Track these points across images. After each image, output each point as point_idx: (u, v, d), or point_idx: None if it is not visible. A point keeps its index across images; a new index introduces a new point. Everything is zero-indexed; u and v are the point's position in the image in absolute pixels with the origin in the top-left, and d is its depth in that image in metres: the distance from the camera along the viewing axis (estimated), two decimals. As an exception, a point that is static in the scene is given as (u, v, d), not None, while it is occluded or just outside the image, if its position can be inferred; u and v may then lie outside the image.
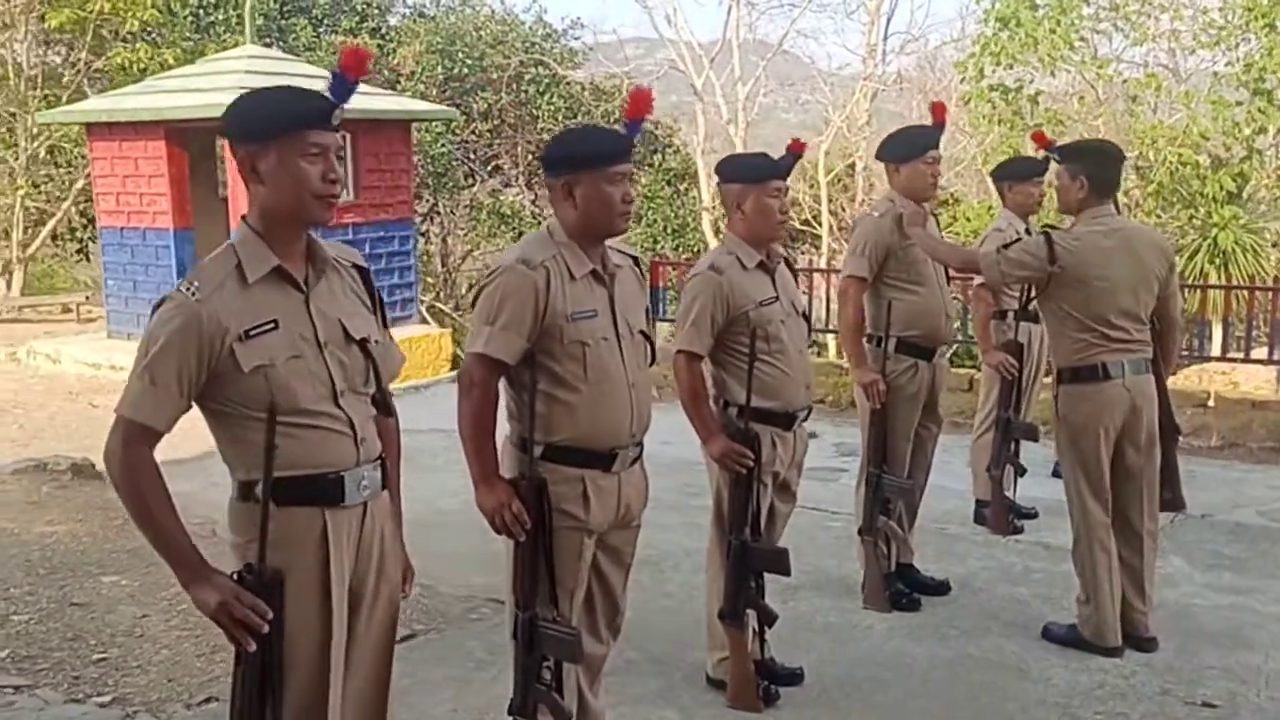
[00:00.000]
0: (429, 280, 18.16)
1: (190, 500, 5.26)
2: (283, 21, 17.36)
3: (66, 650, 4.14)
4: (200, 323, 2.17)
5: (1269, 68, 12.90)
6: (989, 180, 10.42)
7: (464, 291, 18.26)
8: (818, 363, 9.17)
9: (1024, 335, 5.43)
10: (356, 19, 18.05)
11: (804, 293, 8.98)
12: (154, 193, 9.83)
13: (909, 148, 4.53)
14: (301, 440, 2.24)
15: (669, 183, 18.70)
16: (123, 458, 2.19)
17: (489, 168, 18.84)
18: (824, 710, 3.72)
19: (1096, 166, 4.05)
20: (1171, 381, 4.36)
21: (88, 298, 13.77)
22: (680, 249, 17.26)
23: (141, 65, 13.46)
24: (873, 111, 19.13)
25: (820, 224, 17.95)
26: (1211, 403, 7.80)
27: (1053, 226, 4.22)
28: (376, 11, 18.74)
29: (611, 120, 16.74)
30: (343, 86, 2.22)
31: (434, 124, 15.99)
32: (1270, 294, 9.26)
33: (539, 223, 15.40)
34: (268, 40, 15.71)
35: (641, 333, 3.01)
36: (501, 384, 2.91)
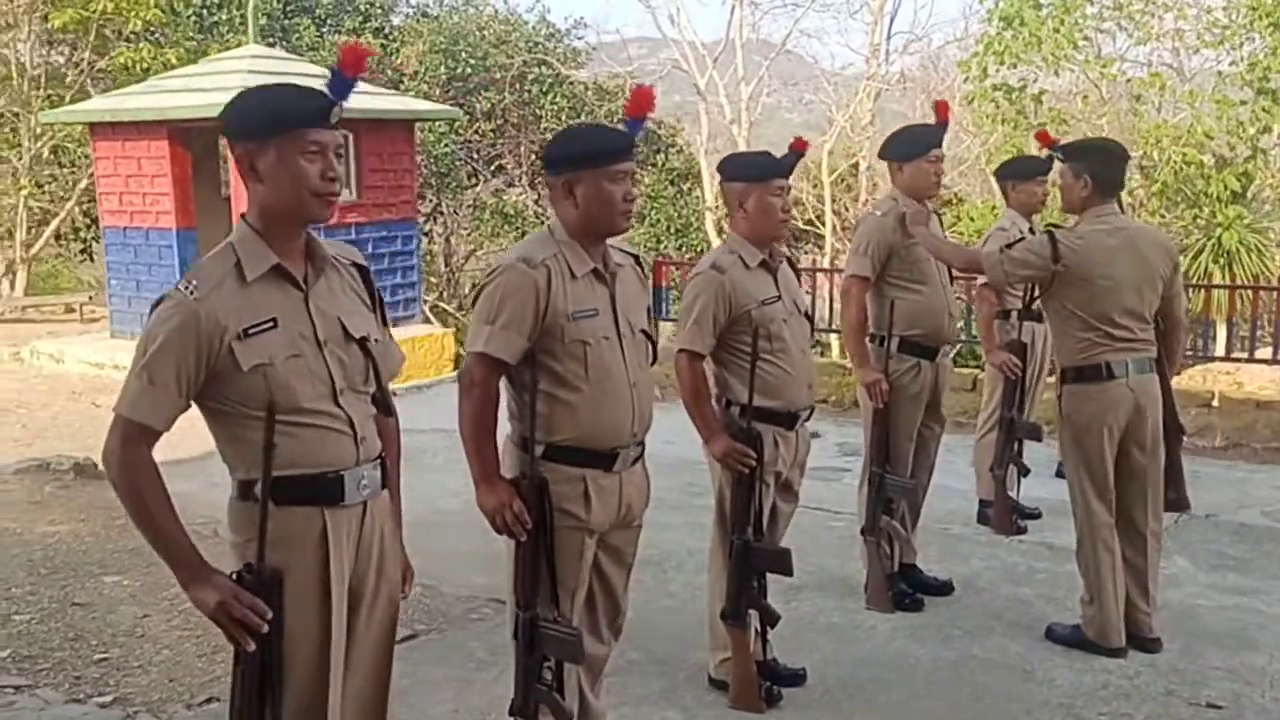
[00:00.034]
0: (432, 280, 18.16)
1: (191, 500, 5.25)
2: (286, 21, 17.37)
3: (68, 650, 4.14)
4: (199, 321, 2.16)
5: (1273, 67, 12.88)
6: (992, 180, 10.42)
7: (467, 291, 18.25)
8: (821, 362, 9.16)
9: (1027, 335, 5.41)
10: (360, 19, 18.06)
11: (807, 292, 8.97)
12: (157, 192, 9.83)
13: (912, 146, 4.52)
14: (301, 439, 2.23)
15: (672, 182, 18.70)
16: (121, 457, 2.18)
17: (492, 167, 18.84)
18: (826, 711, 3.71)
19: (1100, 165, 4.03)
20: (1176, 381, 4.35)
21: (91, 298, 13.77)
22: (683, 249, 17.26)
23: (145, 65, 13.47)
24: (876, 111, 19.12)
25: (824, 224, 17.94)
26: (1216, 403, 7.78)
27: (1056, 225, 4.20)
28: (380, 11, 18.74)
29: (615, 120, 16.72)
30: (342, 84, 2.21)
31: (437, 124, 16.00)
32: (1275, 293, 9.25)
33: (542, 223, 15.37)
34: (271, 40, 15.71)
35: (643, 332, 3.00)
36: (502, 383, 2.90)
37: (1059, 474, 5.71)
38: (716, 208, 16.72)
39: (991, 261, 4.19)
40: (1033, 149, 9.98)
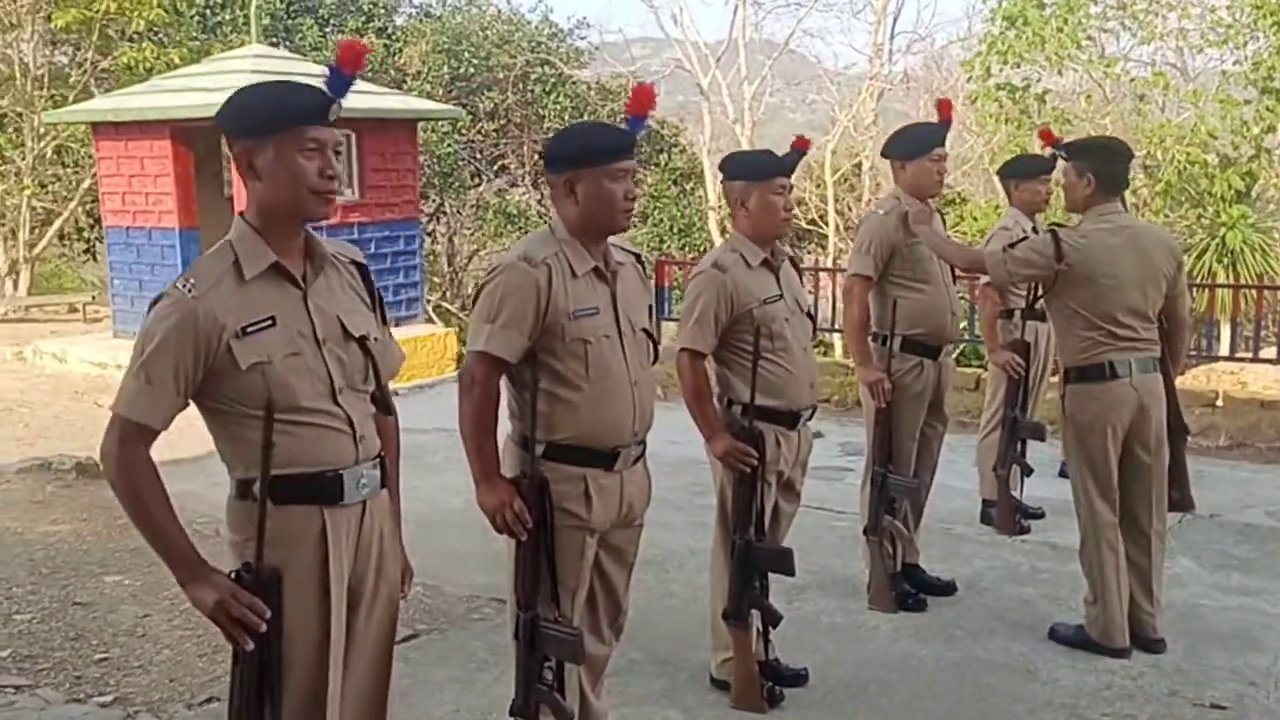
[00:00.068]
0: (435, 280, 18.16)
1: (193, 500, 5.27)
2: (289, 21, 17.37)
3: (68, 650, 4.13)
4: (197, 320, 2.15)
5: (1278, 66, 12.85)
6: (996, 179, 10.40)
7: (470, 291, 18.25)
8: (824, 362, 9.14)
9: (1030, 334, 5.40)
10: (363, 19, 18.06)
11: (810, 292, 8.96)
12: (159, 192, 9.82)
13: (915, 145, 4.51)
14: (300, 438, 2.22)
15: (675, 182, 18.70)
16: (119, 457, 2.17)
17: (495, 167, 18.84)
18: (829, 712, 3.69)
19: (1104, 164, 4.02)
20: (1179, 381, 4.34)
21: (94, 297, 13.78)
22: (686, 248, 17.25)
23: (148, 65, 13.47)
24: (879, 111, 19.10)
25: (826, 223, 17.93)
26: (1220, 402, 7.76)
27: (1059, 224, 4.19)
28: (383, 11, 18.74)
29: (618, 120, 16.71)
30: (340, 81, 2.20)
31: (440, 123, 15.99)
32: (1279, 293, 9.21)
33: (545, 222, 15.37)
34: (274, 40, 15.73)
35: (644, 330, 2.99)
36: (503, 382, 2.89)
37: (1062, 474, 5.68)
38: (719, 207, 16.71)
39: (994, 261, 4.18)
40: (1036, 149, 9.97)
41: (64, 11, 13.40)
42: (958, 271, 4.67)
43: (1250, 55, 13.52)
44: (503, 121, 18.41)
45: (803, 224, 18.39)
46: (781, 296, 3.64)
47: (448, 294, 18.31)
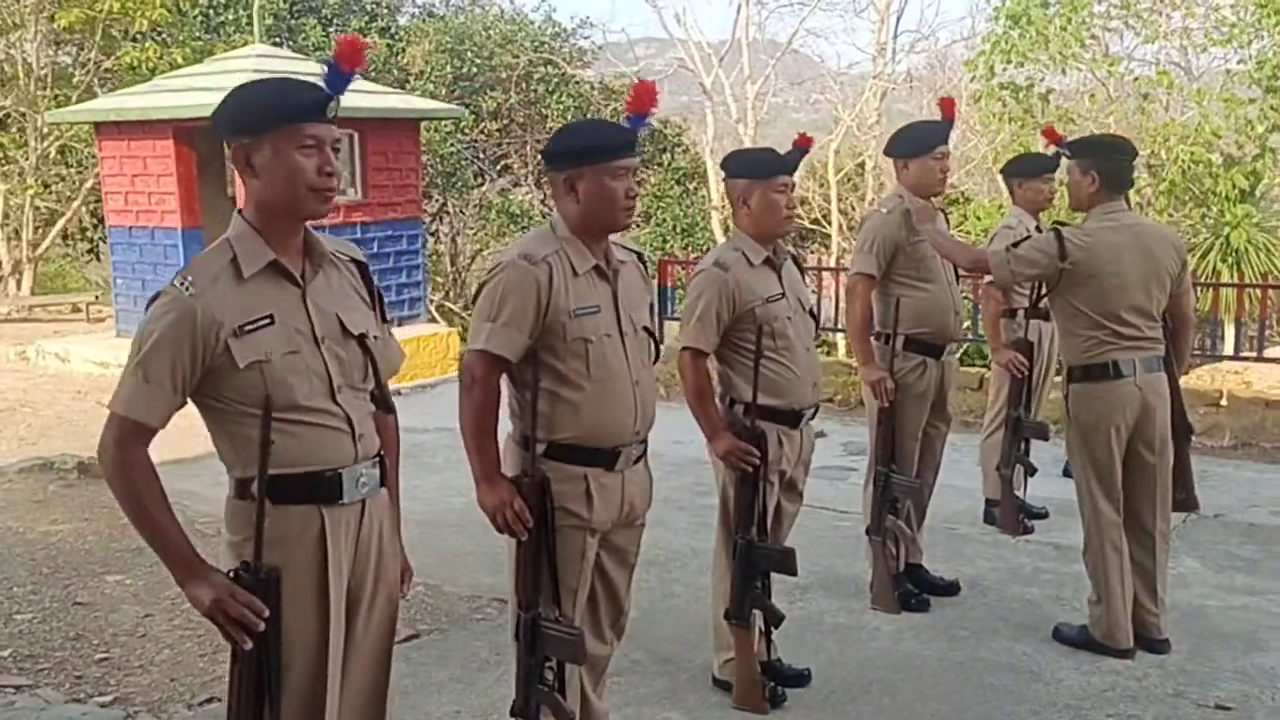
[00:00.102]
0: (438, 280, 18.17)
1: (194, 499, 5.28)
2: (292, 21, 17.39)
3: (69, 650, 4.12)
4: (194, 318, 2.13)
5: (1282, 65, 12.82)
6: (999, 179, 10.37)
7: (473, 291, 18.25)
8: (826, 361, 9.12)
9: (1034, 333, 5.38)
10: (366, 18, 18.07)
11: (813, 292, 8.94)
12: (162, 192, 9.82)
13: (918, 144, 4.49)
14: (298, 437, 2.20)
15: (678, 182, 18.70)
16: (116, 455, 2.16)
17: (498, 167, 18.85)
18: (831, 712, 3.68)
19: (1107, 161, 4.00)
20: (1184, 380, 4.32)
21: (97, 297, 13.80)
22: (689, 248, 17.24)
23: (151, 65, 13.48)
24: (882, 110, 19.08)
25: (830, 223, 17.92)
26: (1224, 402, 7.73)
27: (1063, 223, 4.17)
28: (386, 11, 18.76)
29: (620, 119, 16.69)
30: (338, 78, 2.18)
31: (443, 123, 15.98)
32: (1283, 292, 9.18)
33: (548, 222, 15.35)
34: (277, 40, 15.74)
35: (645, 329, 2.97)
36: (504, 381, 2.88)
37: (1066, 473, 5.67)
38: (722, 207, 16.70)
39: (998, 260, 4.16)
40: (1040, 148, 9.95)
41: (67, 11, 13.41)
42: (961, 271, 4.66)
43: (1254, 54, 13.49)
44: (506, 121, 18.42)
45: (806, 224, 18.38)
46: (784, 295, 3.62)
47: (451, 294, 18.33)
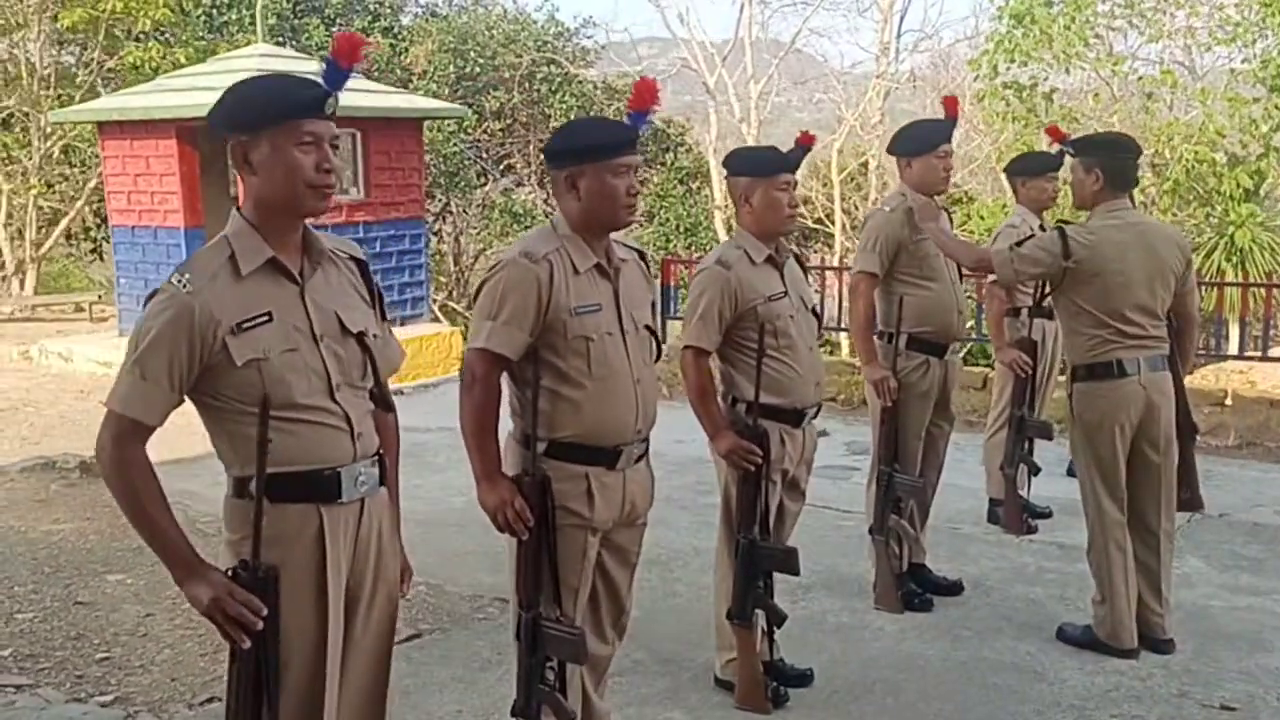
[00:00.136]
0: (441, 279, 18.18)
1: (196, 499, 5.27)
2: (295, 21, 17.40)
3: (69, 649, 4.12)
4: (192, 315, 2.12)
5: (1287, 64, 12.80)
6: (1003, 178, 10.35)
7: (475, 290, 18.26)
8: (830, 361, 9.11)
9: (1038, 332, 5.37)
10: (369, 18, 18.08)
11: (816, 291, 8.92)
12: (165, 191, 9.83)
13: (921, 142, 4.47)
14: (296, 435, 2.19)
15: (681, 181, 18.69)
16: (113, 453, 2.15)
17: (501, 167, 18.86)
18: (834, 712, 3.66)
19: (1111, 159, 3.98)
20: (1188, 380, 4.29)
21: (100, 296, 13.81)
22: (692, 248, 17.24)
23: (154, 65, 13.49)
24: (886, 110, 19.08)
25: (833, 222, 17.90)
26: (1229, 401, 7.71)
27: (1067, 222, 4.15)
28: (389, 10, 18.76)
29: (623, 118, 16.68)
30: (336, 74, 2.17)
31: (446, 123, 15.99)
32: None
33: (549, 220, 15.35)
34: (280, 40, 15.75)
35: (647, 327, 2.96)
36: (504, 380, 2.86)
37: (1070, 473, 5.65)
38: (725, 207, 16.70)
39: (1001, 260, 4.14)
40: (1043, 147, 9.93)
41: (70, 11, 13.41)
42: (964, 270, 4.64)
43: (1259, 53, 13.48)
44: (509, 121, 18.42)
45: (809, 223, 18.37)
46: (786, 293, 3.60)
47: (454, 293, 18.33)
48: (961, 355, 5.33)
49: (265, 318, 2.17)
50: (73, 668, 3.96)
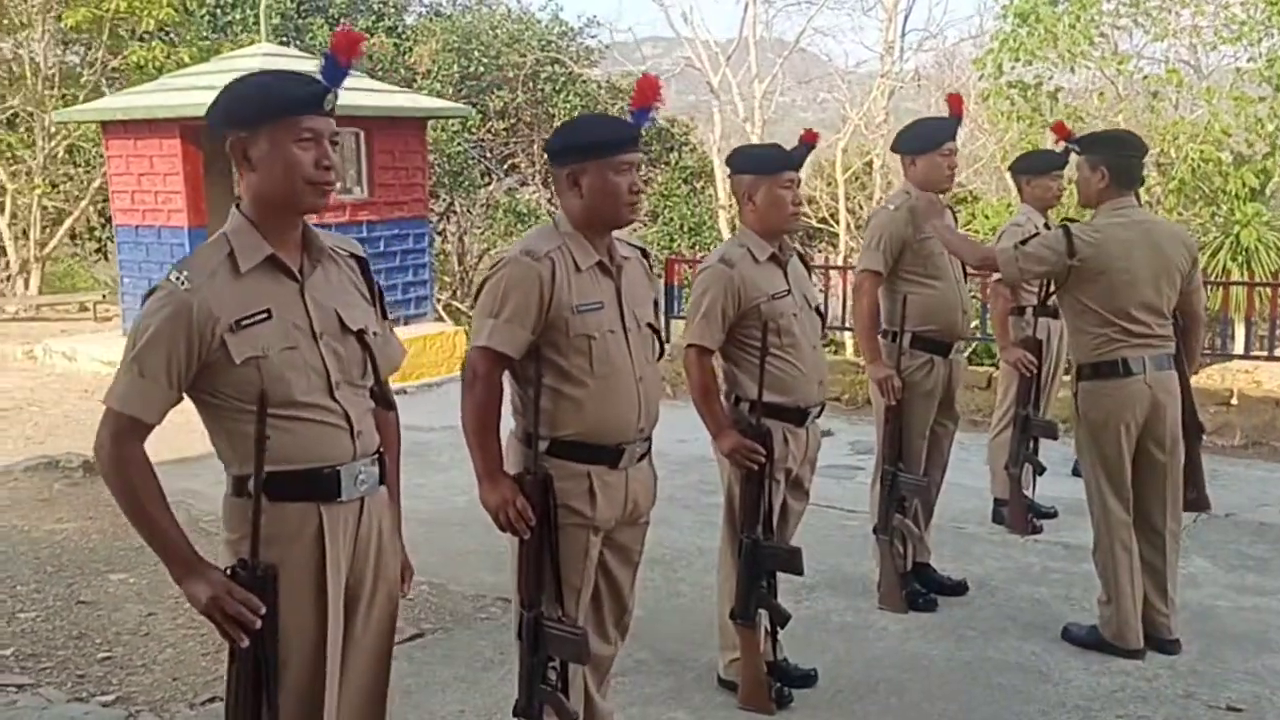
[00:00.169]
0: (445, 279, 18.18)
1: (199, 498, 5.27)
2: (299, 20, 17.40)
3: (71, 648, 4.11)
4: (190, 312, 2.11)
5: (1293, 63, 12.76)
6: (1008, 177, 10.33)
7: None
8: (834, 360, 9.09)
9: (1043, 331, 5.34)
10: (373, 18, 18.08)
11: (820, 290, 8.90)
12: (169, 190, 9.83)
13: (925, 140, 4.45)
14: (295, 434, 2.18)
15: (685, 181, 18.68)
16: (112, 451, 2.14)
17: (505, 166, 18.85)
18: (838, 713, 3.65)
19: (1116, 156, 3.96)
20: (1194, 379, 4.27)
21: (104, 296, 13.82)
22: (696, 247, 17.23)
23: (158, 64, 13.49)
24: (890, 109, 19.05)
25: (838, 222, 17.89)
26: (1234, 401, 7.69)
27: (1072, 220, 4.13)
28: (393, 10, 18.77)
29: (626, 117, 16.67)
30: (335, 70, 2.15)
31: (450, 123, 15.98)
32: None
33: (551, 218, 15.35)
34: (284, 39, 15.74)
35: (649, 325, 2.95)
36: (506, 378, 2.85)
37: (1075, 472, 5.63)
38: (730, 206, 16.68)
39: (1006, 258, 4.12)
40: (1048, 146, 9.90)
41: (74, 11, 13.41)
42: (969, 268, 4.62)
43: (1265, 52, 13.44)
44: (513, 120, 18.42)
45: (814, 222, 18.35)
46: (789, 292, 3.59)
47: (458, 293, 18.33)
48: (966, 354, 5.30)
49: (264, 315, 2.16)
50: (74, 667, 3.96)
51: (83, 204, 15.44)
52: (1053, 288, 4.14)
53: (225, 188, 10.61)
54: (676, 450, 6.02)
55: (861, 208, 18.13)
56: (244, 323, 2.14)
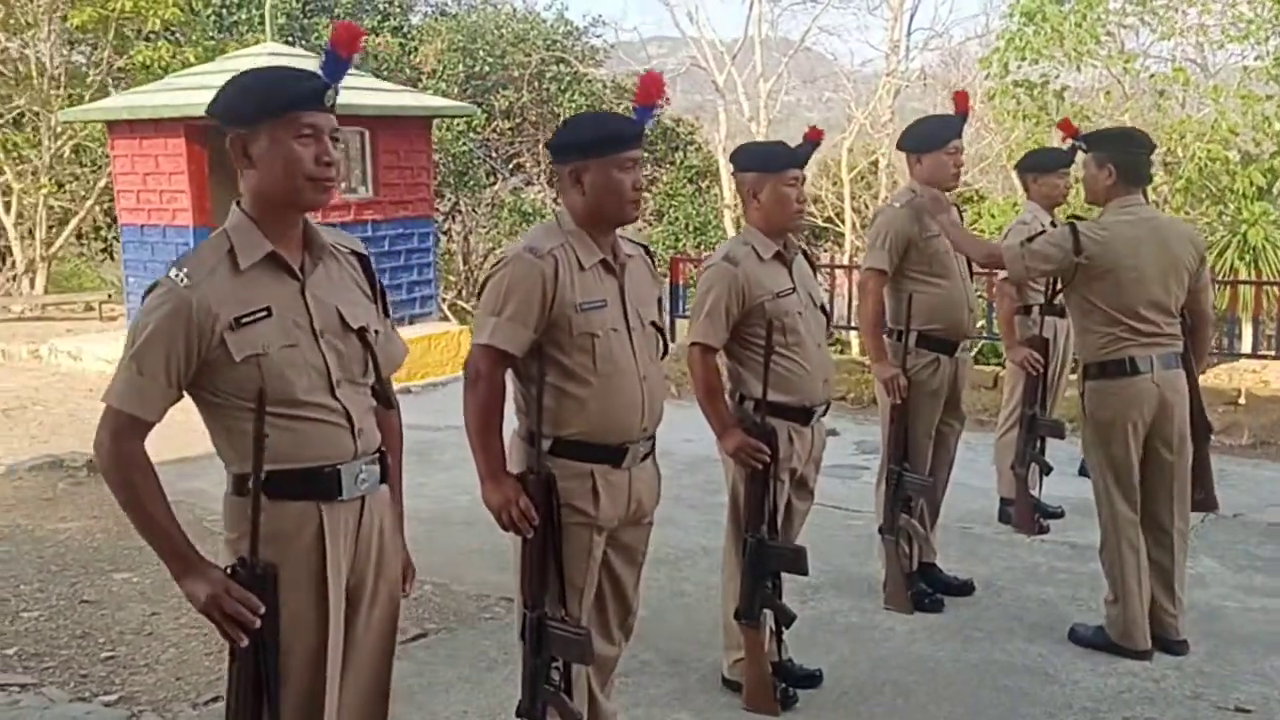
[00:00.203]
0: (450, 279, 18.18)
1: (204, 497, 5.26)
2: (304, 20, 17.41)
3: (75, 648, 4.10)
4: (190, 309, 2.10)
5: (1300, 61, 12.71)
6: (1014, 176, 10.29)
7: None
8: (840, 360, 9.07)
9: (1049, 330, 5.32)
10: (379, 17, 18.09)
11: (826, 290, 8.88)
12: (174, 190, 9.83)
13: (931, 138, 4.43)
14: (296, 432, 2.16)
15: (691, 180, 18.67)
16: (111, 450, 2.13)
17: (510, 166, 18.85)
18: (843, 714, 3.63)
19: (1124, 154, 3.93)
20: (1201, 379, 4.24)
21: (110, 295, 13.82)
22: (701, 247, 17.22)
23: (163, 64, 13.50)
24: (896, 108, 19.01)
25: (843, 221, 17.86)
26: (1242, 400, 7.66)
27: (1079, 217, 4.10)
28: (398, 10, 18.77)
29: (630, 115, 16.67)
30: (335, 65, 2.14)
31: (455, 122, 15.97)
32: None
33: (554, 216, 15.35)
34: (289, 39, 15.75)
35: (653, 324, 2.93)
36: (509, 376, 2.83)
37: (1082, 472, 5.61)
38: (735, 205, 16.67)
39: (1012, 255, 4.10)
40: (1055, 143, 9.87)
41: (80, 10, 13.42)
42: (975, 267, 4.60)
43: (1272, 50, 13.38)
44: (518, 120, 18.42)
45: (819, 222, 18.33)
46: (794, 290, 3.57)
47: (463, 292, 18.33)
48: (972, 354, 5.28)
49: (264, 313, 2.15)
50: (77, 666, 3.95)
51: (89, 204, 15.45)
52: (1059, 286, 4.12)
53: (230, 187, 10.51)
54: (682, 450, 6.00)
55: (867, 207, 18.10)
56: (244, 320, 2.13)
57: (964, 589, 4.61)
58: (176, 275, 2.13)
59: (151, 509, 2.14)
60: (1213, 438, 4.49)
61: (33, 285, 15.34)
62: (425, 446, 6.47)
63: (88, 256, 19.42)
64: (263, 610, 2.09)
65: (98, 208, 15.71)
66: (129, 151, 10.10)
